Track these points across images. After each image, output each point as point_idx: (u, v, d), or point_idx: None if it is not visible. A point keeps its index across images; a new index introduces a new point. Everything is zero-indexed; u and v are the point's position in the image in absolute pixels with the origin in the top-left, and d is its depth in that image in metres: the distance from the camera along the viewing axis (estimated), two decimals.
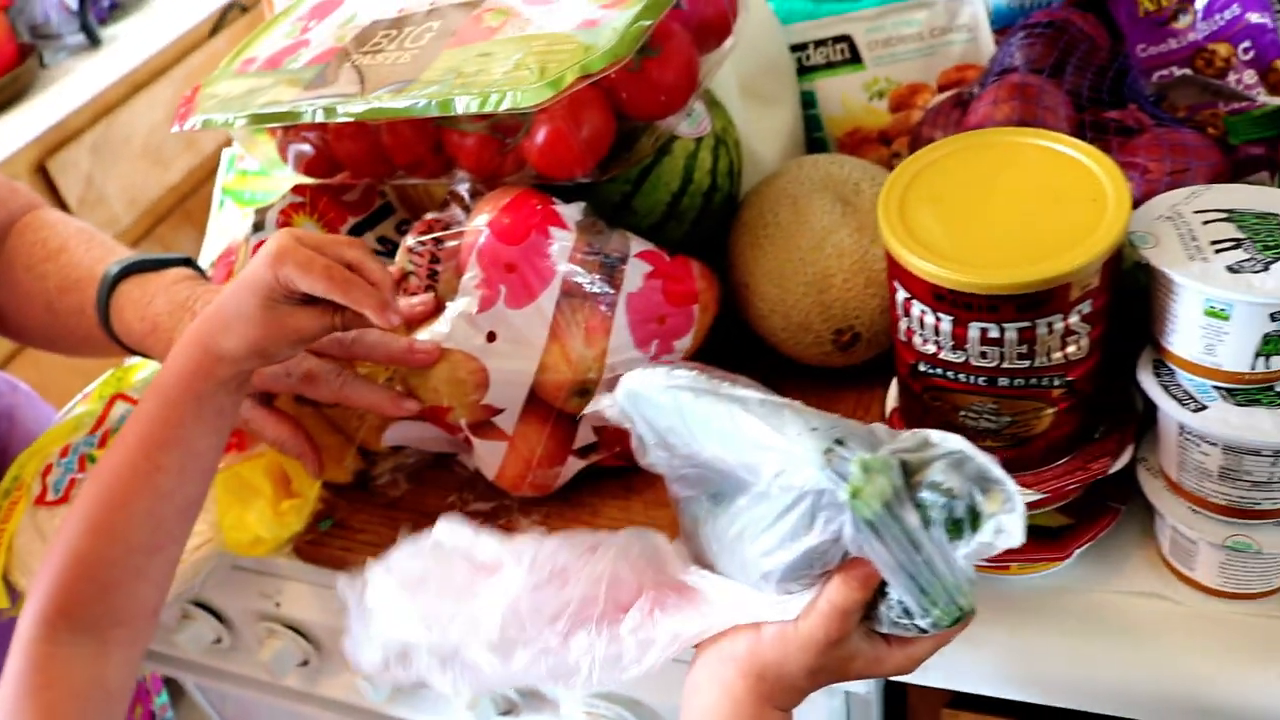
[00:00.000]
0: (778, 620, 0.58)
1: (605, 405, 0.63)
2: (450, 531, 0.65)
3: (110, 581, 0.67)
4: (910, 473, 0.52)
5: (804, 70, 1.04)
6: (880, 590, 0.56)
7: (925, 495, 0.52)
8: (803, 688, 0.60)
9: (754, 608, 0.58)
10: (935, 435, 0.53)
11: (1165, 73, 0.92)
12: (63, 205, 2.02)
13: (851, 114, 1.04)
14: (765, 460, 0.54)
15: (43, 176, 1.97)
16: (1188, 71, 0.91)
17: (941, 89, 1.01)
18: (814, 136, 1.07)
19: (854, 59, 1.02)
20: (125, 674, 0.68)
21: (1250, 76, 0.90)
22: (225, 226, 1.23)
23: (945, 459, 0.52)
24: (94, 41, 2.14)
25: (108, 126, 2.07)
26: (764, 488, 0.55)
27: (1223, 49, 0.90)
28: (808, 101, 1.06)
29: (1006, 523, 0.52)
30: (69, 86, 2.04)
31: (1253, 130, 0.84)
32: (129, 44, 2.16)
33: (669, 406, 0.59)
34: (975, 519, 0.52)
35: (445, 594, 0.62)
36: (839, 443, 0.52)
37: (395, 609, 0.62)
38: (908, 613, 0.56)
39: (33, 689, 0.63)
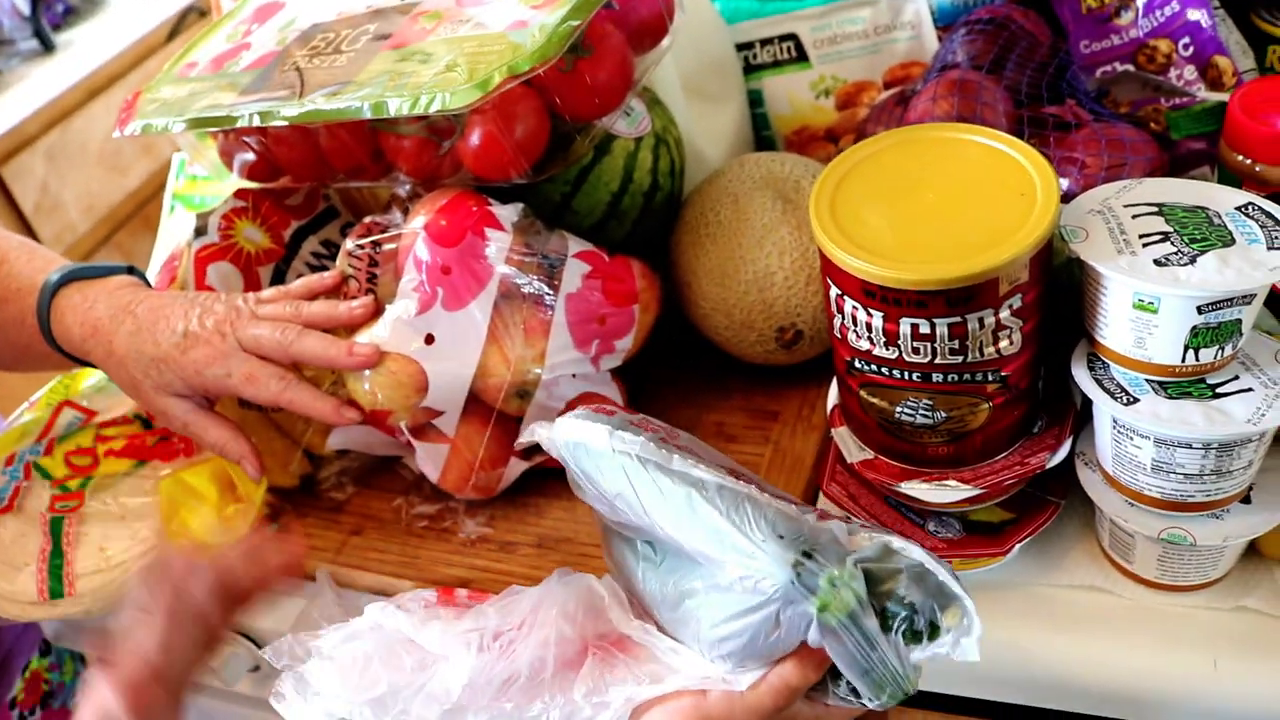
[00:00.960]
0: (726, 689, 0.59)
1: (541, 438, 0.63)
2: (385, 614, 0.64)
3: None
4: (873, 582, 0.54)
5: (751, 69, 1.04)
6: (832, 671, 0.57)
7: (889, 606, 0.54)
8: None
9: (705, 675, 0.59)
10: (896, 543, 0.55)
11: (1108, 69, 0.93)
12: (18, 213, 2.00)
13: (799, 112, 1.04)
14: (728, 559, 0.55)
15: None
16: (1130, 68, 0.92)
17: (888, 86, 1.01)
18: (762, 135, 1.08)
19: (800, 57, 1.02)
20: None
21: (1190, 72, 0.91)
22: (176, 232, 1.22)
23: (907, 572, 0.54)
24: (48, 47, 2.12)
25: (63, 133, 2.05)
26: (726, 583, 0.56)
27: (1164, 45, 0.90)
28: (755, 100, 1.06)
29: (965, 643, 0.54)
30: (22, 92, 2.03)
31: (1193, 125, 0.85)
32: (84, 49, 2.15)
33: (615, 472, 0.58)
34: (934, 631, 0.54)
35: (395, 675, 0.62)
36: (807, 555, 0.54)
37: (341, 691, 0.61)
38: (855, 693, 0.57)
39: None
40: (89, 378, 1.04)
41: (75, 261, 0.88)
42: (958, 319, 0.61)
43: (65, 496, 0.92)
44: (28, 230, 2.02)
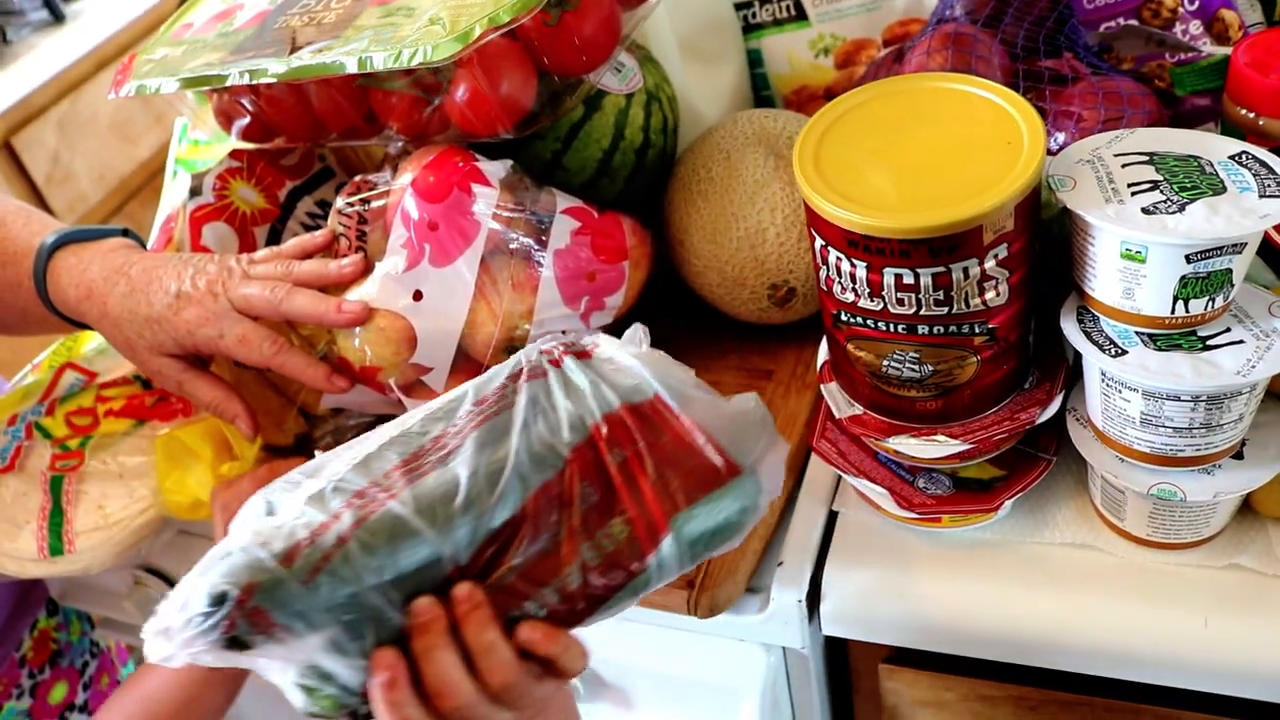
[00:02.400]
0: None
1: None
2: None
3: None
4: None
5: (750, 28, 1.03)
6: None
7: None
8: None
9: None
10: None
11: (1111, 24, 0.91)
12: (30, 183, 2.01)
13: (798, 71, 1.03)
14: None
15: (9, 154, 1.96)
16: (1133, 22, 0.90)
17: (887, 44, 1.00)
18: (762, 95, 1.07)
19: (800, 16, 1.01)
20: None
21: (1196, 27, 0.89)
22: (177, 197, 1.22)
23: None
24: (57, 17, 2.12)
25: (74, 103, 2.06)
26: None
27: None
28: (754, 60, 1.05)
29: None
30: (33, 63, 2.03)
31: (1198, 81, 0.84)
32: (94, 19, 2.15)
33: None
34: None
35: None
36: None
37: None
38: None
39: None
40: (91, 340, 1.05)
41: (74, 225, 0.89)
42: (942, 269, 0.60)
43: (65, 456, 0.93)
44: (39, 200, 2.03)
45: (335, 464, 0.55)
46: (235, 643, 0.50)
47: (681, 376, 0.59)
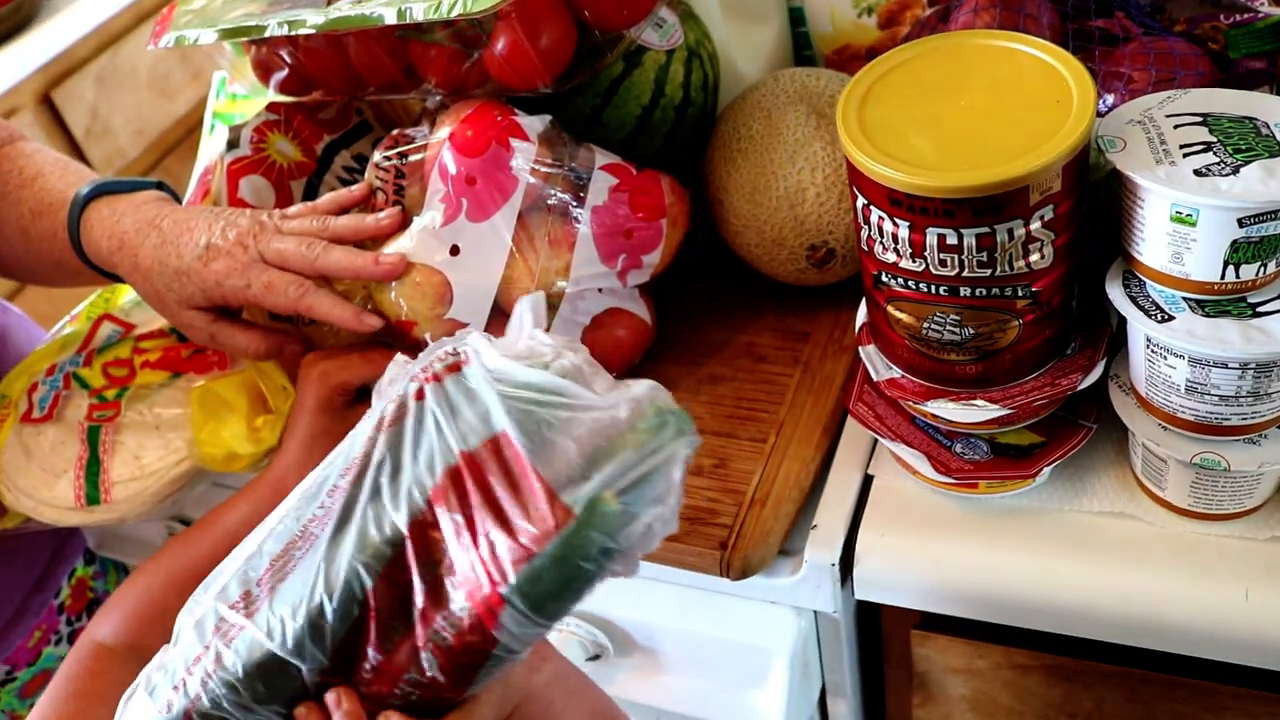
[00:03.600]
0: None
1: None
2: None
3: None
4: None
5: None
6: None
7: None
8: None
9: None
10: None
11: None
12: (69, 136, 2.02)
13: (841, 31, 1.02)
14: None
15: (48, 107, 1.97)
16: None
17: (932, 3, 0.98)
18: (804, 54, 1.05)
19: None
20: None
21: None
22: (214, 151, 1.22)
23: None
24: None
25: (113, 57, 2.06)
26: None
27: None
28: (796, 18, 1.03)
29: None
30: (73, 16, 2.03)
31: (1254, 43, 0.81)
32: None
33: None
34: None
35: None
36: None
37: None
38: None
39: (79, 692, 0.69)
40: (128, 293, 1.05)
41: (109, 177, 0.89)
42: (986, 229, 0.59)
43: (102, 406, 0.93)
44: (78, 154, 2.04)
45: (228, 569, 0.56)
46: None
47: (546, 382, 0.51)
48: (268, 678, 0.52)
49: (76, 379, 0.96)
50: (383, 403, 0.55)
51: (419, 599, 0.51)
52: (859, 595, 0.76)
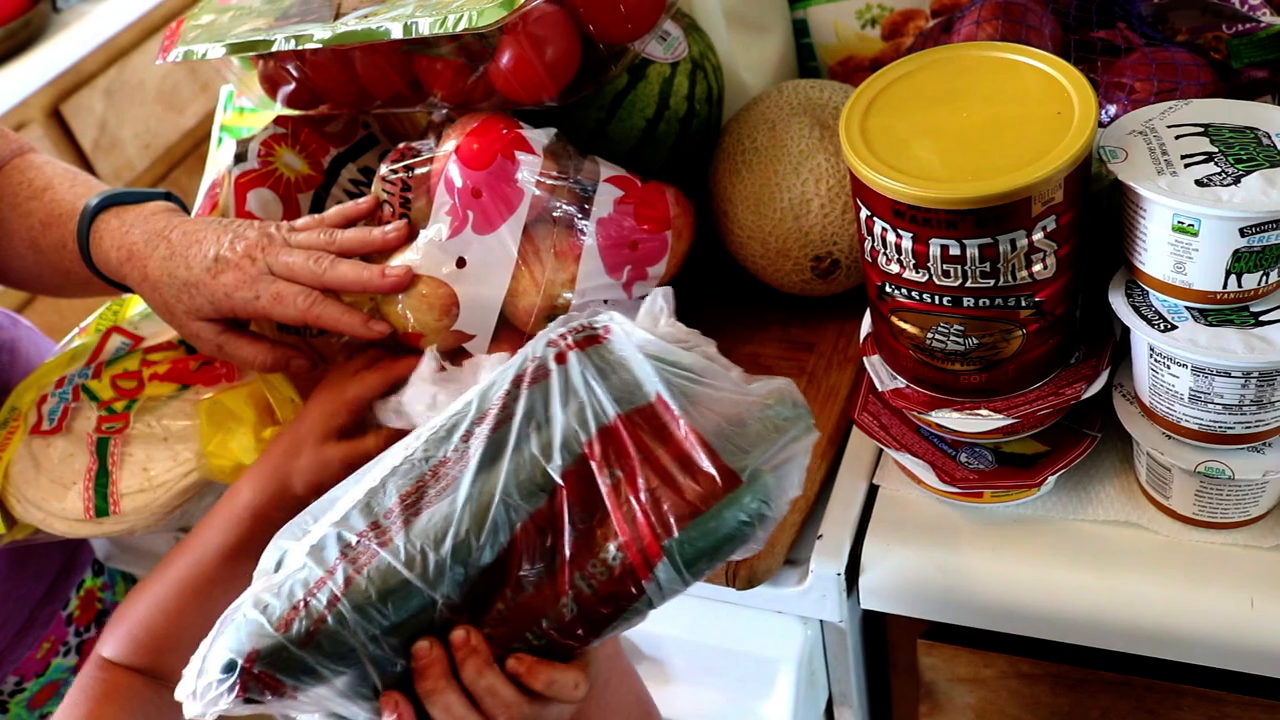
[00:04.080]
0: None
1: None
2: None
3: (188, 640, 0.70)
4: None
5: None
6: None
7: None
8: None
9: None
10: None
11: None
12: (78, 149, 2.03)
13: (844, 42, 1.02)
14: None
15: (57, 121, 1.98)
16: None
17: (935, 14, 0.98)
18: (808, 66, 1.06)
19: None
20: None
21: None
22: (222, 164, 1.23)
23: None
24: None
25: (121, 70, 2.07)
26: None
27: None
28: (800, 30, 1.04)
29: None
30: (82, 30, 2.04)
31: (1256, 53, 0.82)
32: None
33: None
34: None
35: None
36: None
37: None
38: None
39: (91, 684, 0.71)
40: (137, 304, 1.06)
41: (118, 188, 0.90)
42: (988, 240, 0.60)
43: (111, 418, 0.94)
44: (87, 167, 2.05)
45: (343, 501, 0.56)
46: (252, 700, 0.53)
47: (694, 363, 0.56)
48: (400, 606, 0.53)
49: (85, 391, 0.97)
50: (523, 355, 0.58)
51: (568, 546, 0.53)
52: (865, 605, 0.76)
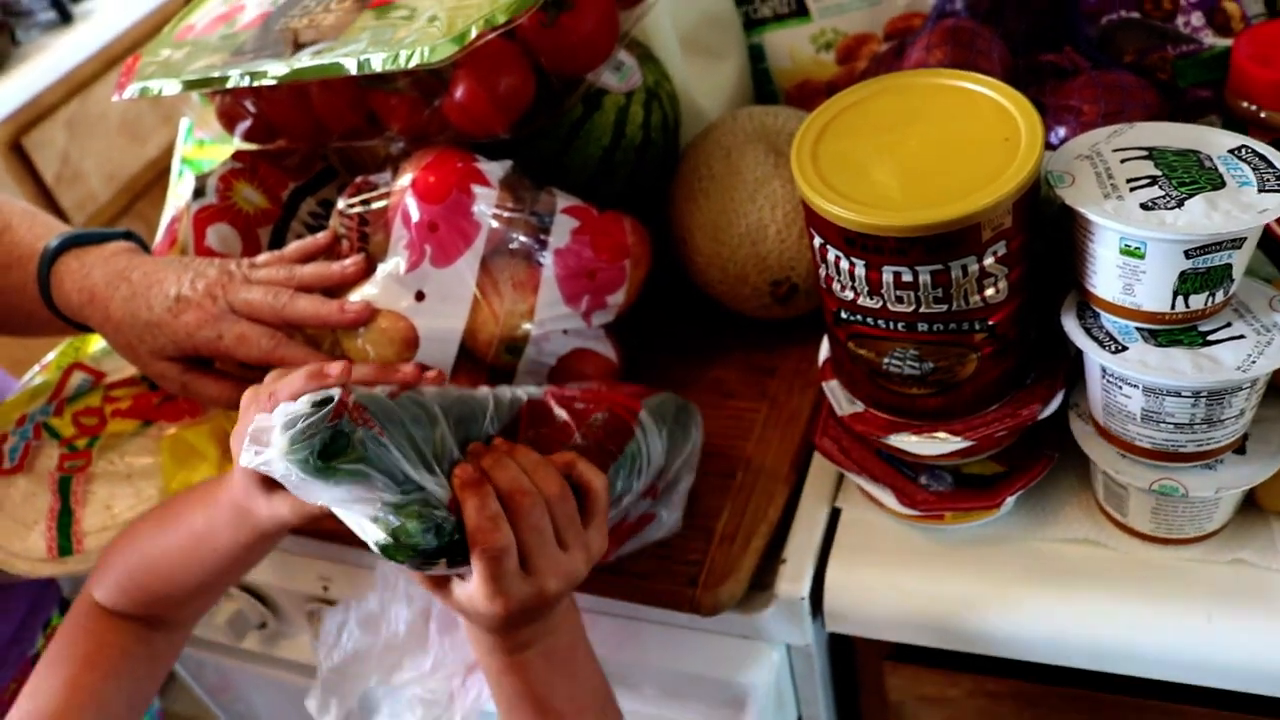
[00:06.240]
0: None
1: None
2: None
3: (176, 592, 0.73)
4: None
5: (751, 24, 1.03)
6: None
7: None
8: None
9: None
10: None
11: (1113, 16, 0.91)
12: (39, 183, 2.01)
13: (800, 66, 1.03)
14: None
15: (18, 154, 1.97)
16: (1135, 15, 0.90)
17: (888, 38, 1.00)
18: (765, 90, 1.07)
19: (801, 11, 1.01)
20: (171, 649, 0.77)
21: (1198, 19, 0.89)
22: (183, 197, 1.22)
23: None
24: (65, 17, 2.13)
25: (83, 103, 2.06)
26: None
27: None
28: (756, 55, 1.05)
29: None
30: (42, 63, 2.03)
31: (1201, 73, 0.83)
32: (102, 19, 2.15)
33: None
34: None
35: None
36: None
37: None
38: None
39: (82, 635, 0.73)
40: (98, 341, 1.05)
41: (77, 228, 0.89)
42: (940, 266, 0.60)
43: (73, 456, 0.93)
44: (49, 200, 2.04)
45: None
46: (334, 445, 0.54)
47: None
48: (459, 403, 0.63)
49: (47, 429, 0.96)
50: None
51: (564, 413, 0.67)
52: (830, 628, 0.77)
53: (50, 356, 1.06)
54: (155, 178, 2.23)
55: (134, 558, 0.73)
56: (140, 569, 0.73)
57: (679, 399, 0.75)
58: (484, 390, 0.66)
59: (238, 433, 0.63)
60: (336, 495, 0.56)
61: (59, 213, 1.99)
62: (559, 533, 0.61)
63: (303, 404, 0.55)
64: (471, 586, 0.59)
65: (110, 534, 0.88)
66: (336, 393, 0.56)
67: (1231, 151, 0.62)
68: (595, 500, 0.63)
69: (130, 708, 0.73)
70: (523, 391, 0.68)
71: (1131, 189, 0.61)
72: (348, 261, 0.78)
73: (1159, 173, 0.61)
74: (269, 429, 0.55)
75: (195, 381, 0.82)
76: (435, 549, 0.57)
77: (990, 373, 0.67)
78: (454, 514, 0.58)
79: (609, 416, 0.68)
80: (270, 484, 0.62)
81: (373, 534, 0.56)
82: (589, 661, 0.68)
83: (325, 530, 0.64)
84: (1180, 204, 0.59)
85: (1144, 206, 0.59)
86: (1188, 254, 0.59)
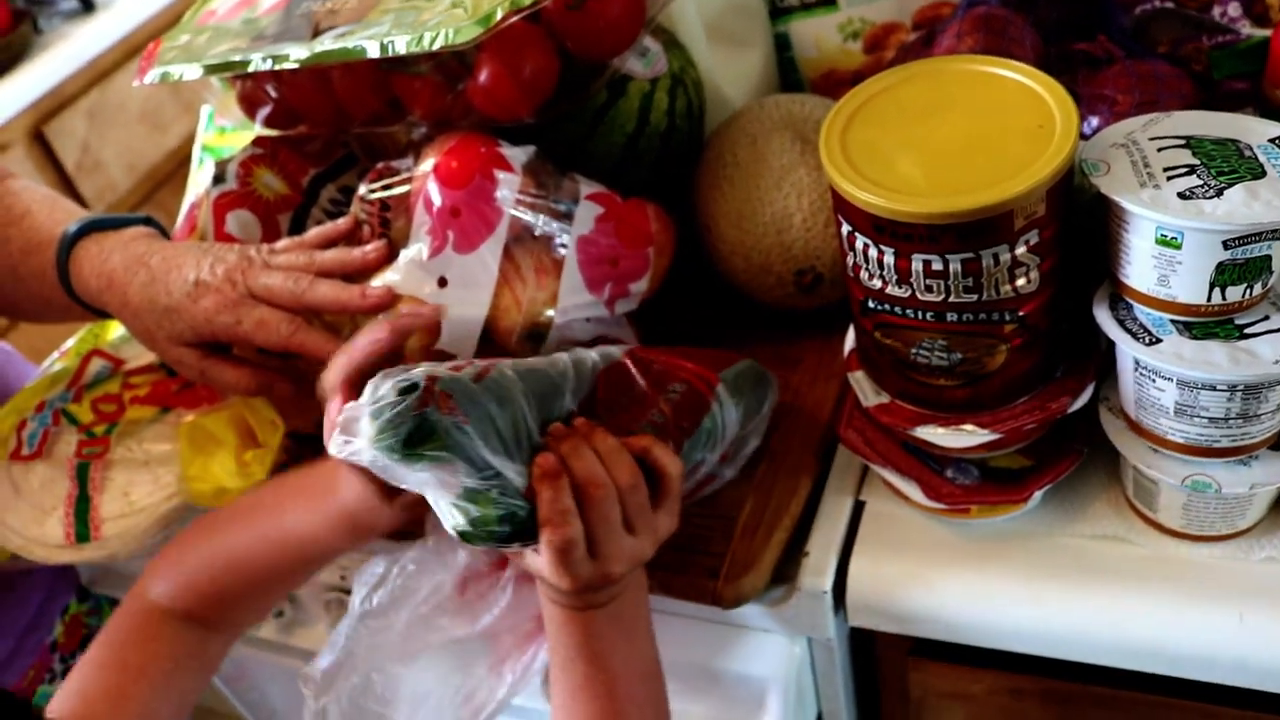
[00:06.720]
0: None
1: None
2: None
3: (255, 593, 0.73)
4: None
5: (778, 13, 1.02)
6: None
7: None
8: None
9: None
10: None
11: (1147, 5, 0.89)
12: (60, 171, 2.02)
13: (826, 56, 1.02)
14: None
15: (40, 143, 1.98)
16: (1170, 4, 0.89)
17: (916, 27, 0.98)
18: (791, 80, 1.06)
19: (828, 0, 1.00)
20: (220, 655, 0.75)
21: (1235, 9, 0.88)
22: (203, 185, 1.22)
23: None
24: (88, 6, 2.13)
25: (103, 92, 2.07)
26: None
27: None
28: (782, 44, 1.04)
29: None
30: (64, 52, 2.04)
31: (1237, 64, 0.82)
32: (124, 8, 2.16)
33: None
34: None
35: None
36: None
37: None
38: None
39: (135, 642, 0.70)
40: (117, 328, 1.05)
41: (96, 213, 0.89)
42: (971, 255, 0.59)
43: (91, 442, 0.93)
44: (69, 189, 2.04)
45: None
46: (419, 432, 0.56)
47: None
48: (540, 380, 0.64)
49: (66, 415, 0.96)
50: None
51: (642, 381, 0.69)
52: (853, 622, 0.76)
53: (69, 343, 1.06)
54: (175, 167, 2.24)
55: (210, 556, 0.72)
56: (220, 568, 0.71)
57: (758, 368, 0.76)
58: (563, 359, 0.67)
59: (329, 418, 0.66)
60: (420, 479, 0.58)
61: (79, 201, 1.99)
62: (628, 520, 0.63)
63: (389, 391, 0.57)
64: (541, 560, 0.62)
65: (128, 521, 0.88)
66: (422, 379, 0.58)
67: (1272, 140, 0.61)
68: (669, 484, 0.65)
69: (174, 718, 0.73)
70: (599, 355, 0.69)
71: (1169, 178, 0.59)
72: (369, 247, 0.78)
73: (1197, 161, 0.60)
74: (357, 418, 0.58)
75: (213, 367, 0.81)
76: (509, 534, 0.60)
77: (1020, 364, 0.66)
78: (529, 501, 0.60)
79: (686, 390, 0.69)
80: (392, 492, 0.64)
81: (451, 519, 0.59)
82: (648, 632, 0.70)
83: None
84: (1219, 193, 0.58)
85: (1182, 196, 0.58)
86: (1226, 245, 0.57)
